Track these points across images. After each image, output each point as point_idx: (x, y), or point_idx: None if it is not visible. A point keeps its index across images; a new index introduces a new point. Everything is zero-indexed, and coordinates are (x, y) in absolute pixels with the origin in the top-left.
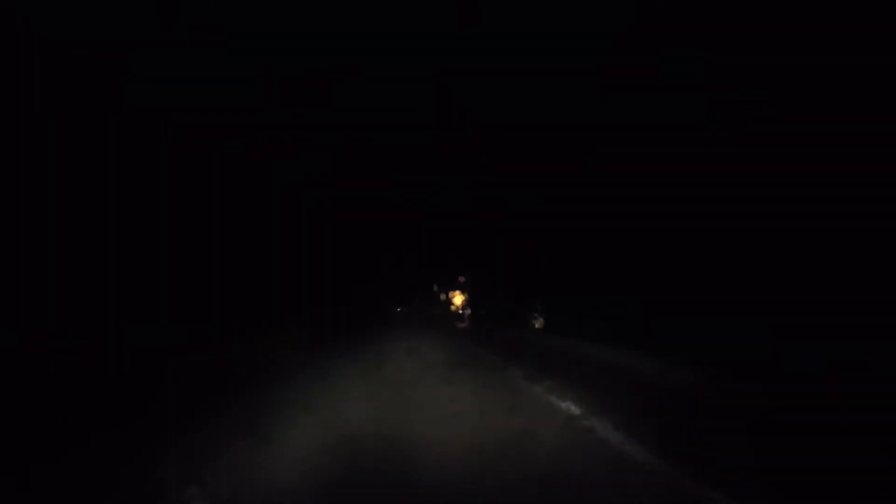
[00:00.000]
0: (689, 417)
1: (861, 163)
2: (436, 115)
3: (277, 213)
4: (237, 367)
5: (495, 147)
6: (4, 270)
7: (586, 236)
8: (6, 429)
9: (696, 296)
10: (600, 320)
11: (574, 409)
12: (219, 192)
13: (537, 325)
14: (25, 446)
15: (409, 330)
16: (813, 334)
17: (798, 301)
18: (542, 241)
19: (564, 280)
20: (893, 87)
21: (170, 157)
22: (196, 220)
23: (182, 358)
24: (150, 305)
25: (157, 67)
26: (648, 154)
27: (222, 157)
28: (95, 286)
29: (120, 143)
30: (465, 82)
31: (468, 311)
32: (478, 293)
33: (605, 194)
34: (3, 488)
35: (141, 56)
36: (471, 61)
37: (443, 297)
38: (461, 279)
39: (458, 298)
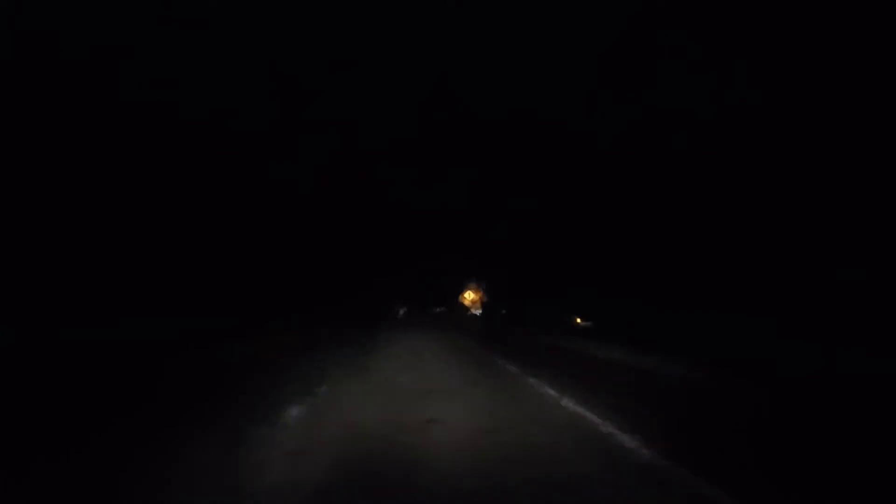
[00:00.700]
0: None
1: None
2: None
3: (287, 216)
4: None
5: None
6: (4, 269)
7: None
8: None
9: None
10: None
11: None
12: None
13: (578, 327)
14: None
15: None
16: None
17: None
18: (584, 234)
19: (615, 278)
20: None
21: (168, 158)
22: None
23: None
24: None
25: (159, 70)
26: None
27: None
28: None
29: (120, 144)
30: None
31: (478, 311)
32: (495, 291)
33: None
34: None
35: (142, 58)
36: (478, 53)
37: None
38: (471, 284)
39: (470, 295)
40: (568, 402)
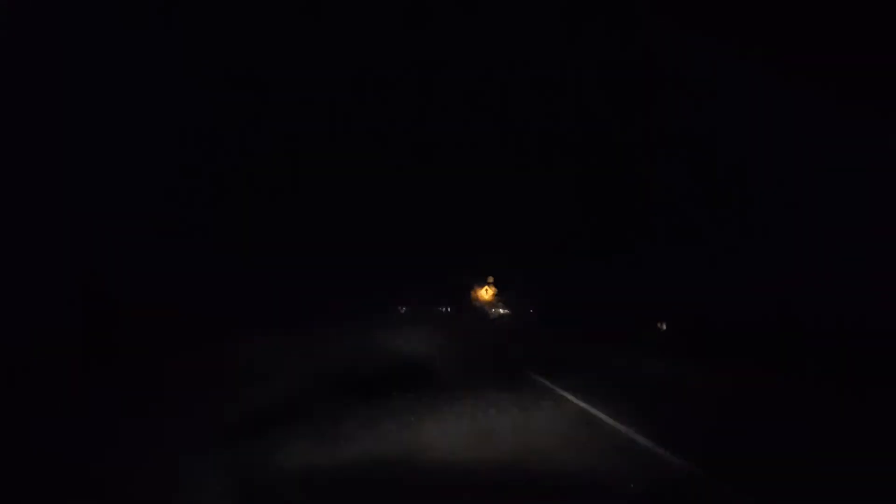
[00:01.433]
0: None
1: None
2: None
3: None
4: None
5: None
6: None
7: None
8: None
9: None
10: None
11: None
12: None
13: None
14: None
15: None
16: None
17: None
18: None
19: None
20: None
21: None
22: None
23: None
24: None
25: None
26: None
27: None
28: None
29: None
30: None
31: (500, 310)
32: (521, 287)
33: None
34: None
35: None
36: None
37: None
38: (490, 279)
39: (486, 292)
40: None
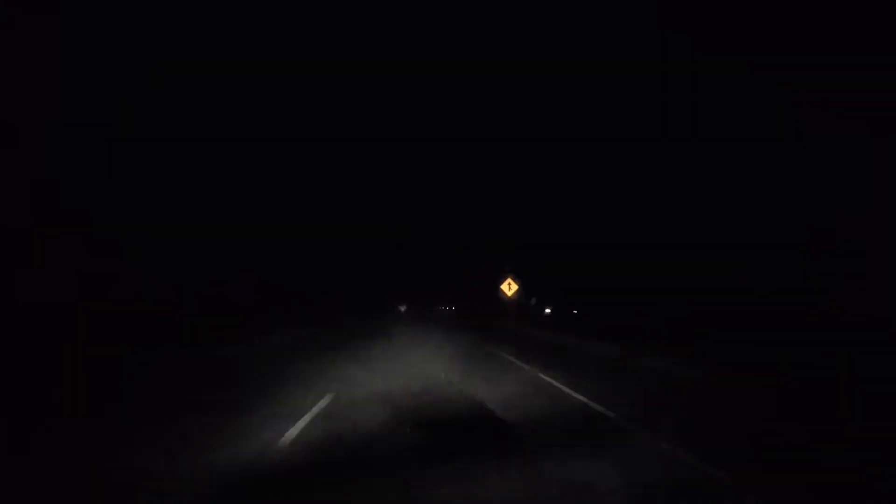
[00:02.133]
0: None
1: None
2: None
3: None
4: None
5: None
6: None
7: None
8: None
9: None
10: None
11: None
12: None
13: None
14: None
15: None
16: None
17: None
18: None
19: None
20: None
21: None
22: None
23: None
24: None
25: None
26: None
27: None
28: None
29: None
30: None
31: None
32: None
33: None
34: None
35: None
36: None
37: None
38: (507, 277)
39: (512, 287)
40: None
